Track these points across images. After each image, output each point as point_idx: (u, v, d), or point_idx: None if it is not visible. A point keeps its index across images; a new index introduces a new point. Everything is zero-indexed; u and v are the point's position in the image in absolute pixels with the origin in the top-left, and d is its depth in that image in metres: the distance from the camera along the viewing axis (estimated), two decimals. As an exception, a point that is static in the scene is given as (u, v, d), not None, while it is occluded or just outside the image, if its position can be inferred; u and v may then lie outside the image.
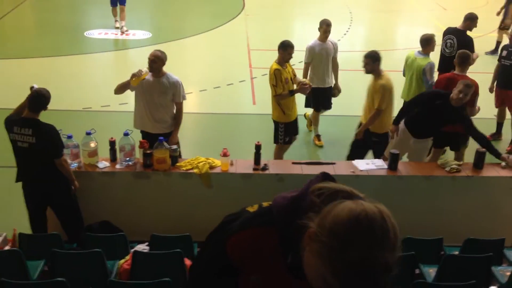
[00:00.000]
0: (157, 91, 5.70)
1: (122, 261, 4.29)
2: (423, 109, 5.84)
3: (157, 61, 5.66)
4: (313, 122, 7.80)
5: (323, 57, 7.27)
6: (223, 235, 1.60)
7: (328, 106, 7.69)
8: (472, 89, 5.55)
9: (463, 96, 5.48)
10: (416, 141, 5.96)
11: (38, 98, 4.69)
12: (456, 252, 4.53)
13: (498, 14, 11.94)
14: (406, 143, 5.98)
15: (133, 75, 5.55)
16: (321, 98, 7.47)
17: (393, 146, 5.95)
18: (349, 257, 1.21)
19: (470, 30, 7.61)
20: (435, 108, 5.70)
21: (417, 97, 6.12)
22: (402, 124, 5.98)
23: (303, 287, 1.42)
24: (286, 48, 6.17)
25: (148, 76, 5.68)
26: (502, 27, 11.51)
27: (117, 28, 12.52)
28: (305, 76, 7.28)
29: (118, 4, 12.33)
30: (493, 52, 11.30)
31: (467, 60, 6.27)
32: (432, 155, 6.46)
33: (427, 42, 6.83)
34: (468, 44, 7.25)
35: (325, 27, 7.21)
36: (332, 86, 7.58)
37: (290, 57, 6.23)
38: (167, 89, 5.72)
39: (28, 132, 4.60)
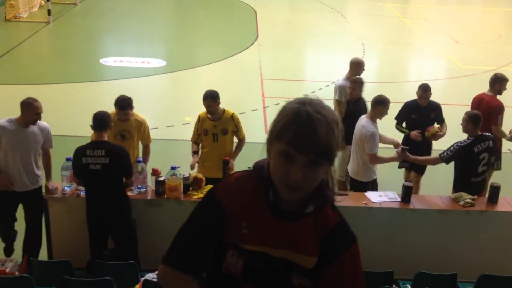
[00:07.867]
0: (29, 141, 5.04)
1: (132, 289, 4.27)
2: None
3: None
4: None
5: None
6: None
7: None
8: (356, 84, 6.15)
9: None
10: None
11: (101, 117, 4.89)
12: (471, 289, 4.46)
13: None
14: None
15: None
16: None
17: None
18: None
19: None
20: None
21: None
22: None
23: (283, 230, 1.67)
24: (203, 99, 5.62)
25: (13, 126, 4.91)
26: None
27: None
28: None
29: None
30: None
31: (495, 83, 6.61)
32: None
33: None
34: None
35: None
36: None
37: (207, 109, 5.65)
38: (38, 136, 5.08)
39: (101, 153, 4.72)
